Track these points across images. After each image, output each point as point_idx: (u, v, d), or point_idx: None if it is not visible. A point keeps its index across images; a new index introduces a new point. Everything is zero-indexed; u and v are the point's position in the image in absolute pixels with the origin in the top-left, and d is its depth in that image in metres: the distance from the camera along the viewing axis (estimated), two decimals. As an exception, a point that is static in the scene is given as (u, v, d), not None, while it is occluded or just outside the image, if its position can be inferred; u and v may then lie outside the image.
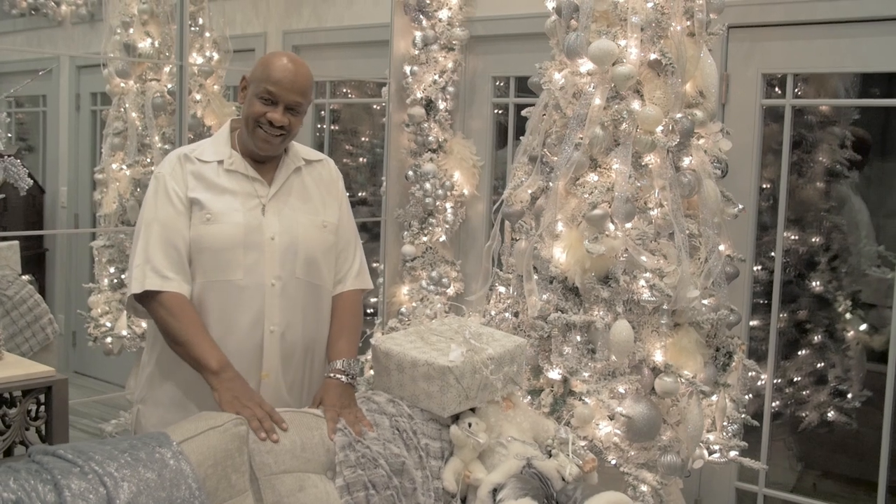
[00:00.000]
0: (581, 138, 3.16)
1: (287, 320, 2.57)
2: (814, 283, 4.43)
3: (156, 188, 2.56)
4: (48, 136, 6.10)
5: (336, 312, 2.71)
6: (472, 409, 2.63)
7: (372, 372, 2.78)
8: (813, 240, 4.43)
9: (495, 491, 2.44)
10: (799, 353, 4.47)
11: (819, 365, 4.45)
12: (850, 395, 4.42)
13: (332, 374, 2.57)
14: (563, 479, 2.51)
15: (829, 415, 4.43)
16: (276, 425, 2.34)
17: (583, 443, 3.02)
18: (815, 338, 4.47)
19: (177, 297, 2.48)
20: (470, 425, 2.55)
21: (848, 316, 4.52)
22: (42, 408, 2.82)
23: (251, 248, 2.52)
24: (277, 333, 2.56)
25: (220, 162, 2.58)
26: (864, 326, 4.52)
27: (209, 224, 2.51)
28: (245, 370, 2.49)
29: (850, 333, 4.49)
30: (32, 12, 5.73)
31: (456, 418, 2.59)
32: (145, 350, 2.71)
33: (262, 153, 2.59)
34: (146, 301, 2.50)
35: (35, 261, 5.79)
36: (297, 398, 2.66)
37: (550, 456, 2.61)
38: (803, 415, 4.42)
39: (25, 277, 4.65)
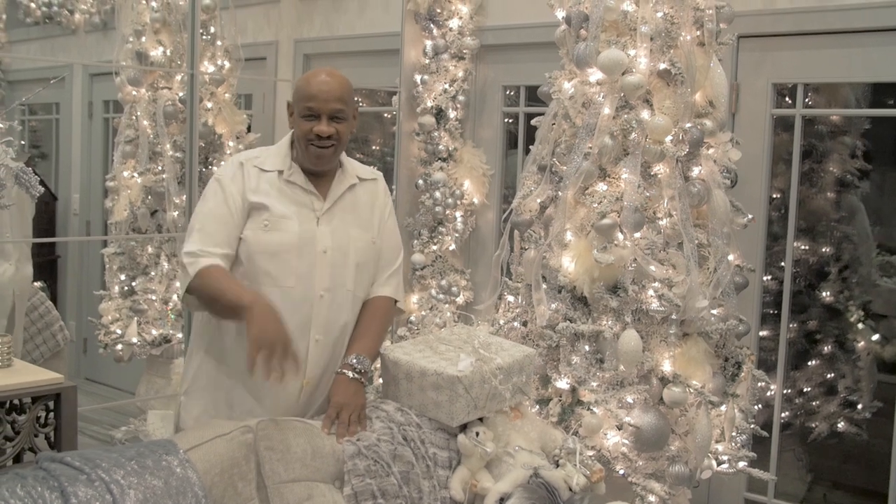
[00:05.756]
0: (590, 148, 3.16)
1: (333, 331, 2.61)
2: (824, 294, 4.42)
3: (214, 190, 2.62)
4: (61, 143, 6.14)
5: (365, 313, 2.71)
6: (480, 419, 2.63)
7: (381, 380, 2.78)
8: (823, 250, 4.42)
9: (502, 500, 2.44)
10: (809, 363, 4.45)
11: (829, 375, 4.43)
12: (860, 406, 4.39)
13: (340, 370, 2.57)
14: (571, 490, 2.51)
15: (839, 426, 4.40)
16: (286, 367, 2.29)
17: (591, 453, 3.01)
18: (825, 348, 4.45)
19: (207, 268, 2.50)
20: (478, 434, 2.55)
21: (860, 326, 4.50)
22: (51, 415, 2.83)
23: (304, 257, 2.57)
24: (322, 343, 2.59)
25: (280, 172, 2.63)
26: (875, 337, 4.50)
27: (267, 231, 2.56)
28: (288, 377, 2.45)
29: (861, 344, 4.47)
30: (46, 21, 5.77)
31: (464, 427, 2.59)
32: (191, 342, 2.76)
33: (318, 168, 2.64)
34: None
35: (47, 267, 5.82)
36: None
37: (558, 466, 2.61)
38: (813, 425, 4.40)
39: (37, 284, 4.67)
